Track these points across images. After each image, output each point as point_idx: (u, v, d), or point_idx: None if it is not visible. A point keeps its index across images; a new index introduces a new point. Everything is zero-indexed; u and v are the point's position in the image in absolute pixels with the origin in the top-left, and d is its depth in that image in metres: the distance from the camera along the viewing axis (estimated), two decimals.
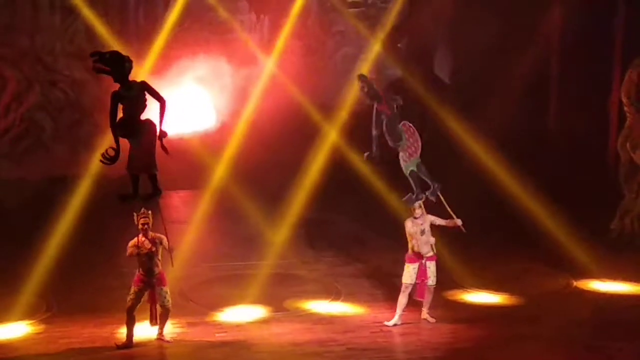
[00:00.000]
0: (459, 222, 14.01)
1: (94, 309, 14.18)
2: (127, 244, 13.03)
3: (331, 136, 22.44)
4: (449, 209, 14.08)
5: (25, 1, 23.86)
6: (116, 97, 12.52)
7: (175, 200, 23.31)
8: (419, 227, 13.62)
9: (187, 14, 24.00)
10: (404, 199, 13.97)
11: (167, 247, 12.94)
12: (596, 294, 15.53)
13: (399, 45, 26.43)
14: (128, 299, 12.83)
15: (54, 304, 14.45)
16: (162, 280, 12.86)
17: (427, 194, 13.98)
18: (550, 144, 24.00)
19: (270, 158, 21.91)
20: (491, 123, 21.58)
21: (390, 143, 14.15)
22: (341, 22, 26.70)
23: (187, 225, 19.16)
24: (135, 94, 12.61)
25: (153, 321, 12.99)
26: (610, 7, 22.53)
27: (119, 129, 12.64)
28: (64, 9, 24.02)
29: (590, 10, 22.15)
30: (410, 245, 13.66)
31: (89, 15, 23.35)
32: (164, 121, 12.72)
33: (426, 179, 14.09)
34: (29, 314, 13.98)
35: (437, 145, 22.85)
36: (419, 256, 13.60)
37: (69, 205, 19.12)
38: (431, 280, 13.69)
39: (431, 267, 13.69)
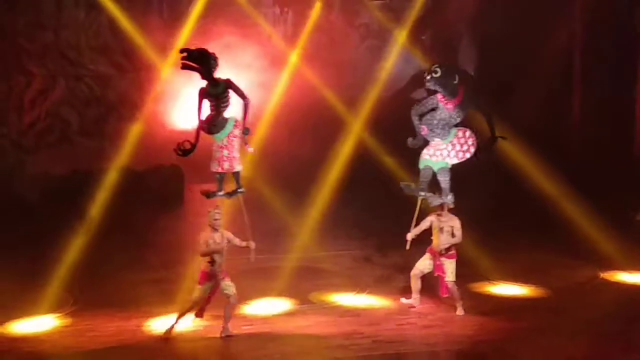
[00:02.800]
0: (409, 236, 13.88)
1: (121, 303, 14.22)
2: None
3: (355, 129, 22.44)
4: (413, 222, 13.93)
5: None
6: (203, 94, 12.95)
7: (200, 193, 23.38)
8: (442, 224, 13.64)
9: (211, 7, 24.04)
10: (430, 197, 13.81)
11: (237, 244, 12.97)
12: (623, 285, 15.45)
13: (423, 37, 26.39)
14: (193, 296, 12.86)
15: (81, 298, 14.51)
16: (225, 274, 12.93)
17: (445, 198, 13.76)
18: (576, 135, 23.93)
19: (295, 151, 21.94)
20: (516, 113, 21.51)
21: (428, 134, 13.68)
22: (365, 14, 26.71)
23: None
24: (221, 91, 12.95)
25: (200, 313, 13.07)
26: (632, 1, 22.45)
27: (205, 125, 13.00)
28: (88, 4, 24.15)
29: (613, 5, 22.07)
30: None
31: (112, 9, 23.44)
32: (247, 119, 13.10)
33: (443, 186, 13.76)
34: (55, 308, 14.04)
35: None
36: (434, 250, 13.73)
37: (95, 198, 19.23)
38: (448, 276, 13.69)
39: (447, 264, 13.69)
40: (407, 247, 13.96)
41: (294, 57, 24.47)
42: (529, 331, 12.96)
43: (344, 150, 21.47)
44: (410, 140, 13.83)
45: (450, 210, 13.69)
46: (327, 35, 25.97)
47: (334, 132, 22.14)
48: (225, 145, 13.11)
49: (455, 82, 13.43)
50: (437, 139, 13.67)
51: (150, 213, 20.38)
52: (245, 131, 13.07)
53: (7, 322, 13.42)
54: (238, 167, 13.24)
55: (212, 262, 12.75)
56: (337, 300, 14.61)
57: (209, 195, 13.34)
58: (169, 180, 23.13)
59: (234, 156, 13.15)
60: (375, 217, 19.77)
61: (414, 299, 14.03)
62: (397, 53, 25.06)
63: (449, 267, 13.68)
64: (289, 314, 13.94)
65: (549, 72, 22.58)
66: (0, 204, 20.10)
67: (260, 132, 22.29)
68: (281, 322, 13.48)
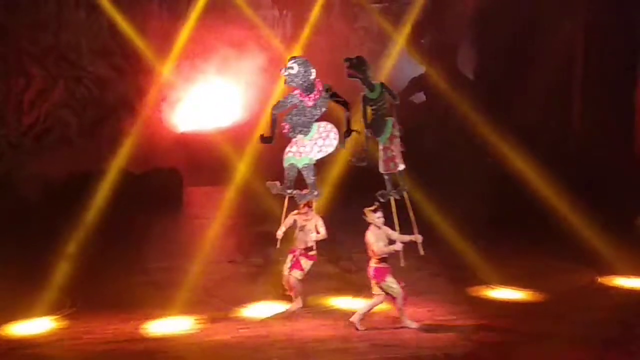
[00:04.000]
0: (278, 234, 13.93)
1: (119, 305, 14.23)
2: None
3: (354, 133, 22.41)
4: (283, 217, 14.00)
5: None
6: (365, 100, 13.64)
7: (198, 195, 23.41)
8: (304, 222, 13.95)
9: (210, 10, 24.04)
10: (296, 195, 13.47)
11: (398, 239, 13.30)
12: (621, 290, 15.45)
13: (422, 41, 26.41)
14: (395, 293, 13.18)
15: (79, 300, 14.51)
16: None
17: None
18: (575, 139, 23.92)
19: None
20: (516, 118, 21.53)
21: (290, 132, 13.28)
22: (364, 18, 26.74)
23: (211, 221, 19.24)
24: (378, 95, 13.61)
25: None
26: (635, 3, 22.43)
27: (369, 129, 13.70)
28: (88, 6, 24.14)
29: (615, 7, 22.08)
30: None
31: (112, 12, 23.44)
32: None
33: (308, 182, 13.34)
34: (53, 310, 14.04)
35: (462, 140, 22.88)
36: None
37: (93, 200, 19.24)
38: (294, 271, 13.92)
39: (304, 262, 13.93)
40: (278, 245, 13.87)
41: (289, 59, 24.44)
42: (528, 336, 12.95)
43: (344, 153, 21.43)
44: (261, 136, 13.31)
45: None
46: (327, 38, 25.98)
47: None
48: (388, 146, 13.67)
49: (312, 77, 13.10)
50: (299, 136, 13.29)
51: (149, 215, 20.39)
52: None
53: (4, 325, 13.42)
54: (401, 166, 13.71)
55: (383, 259, 13.08)
56: (334, 303, 14.60)
57: (383, 195, 13.75)
58: (167, 182, 23.13)
59: (396, 155, 13.68)
60: None
61: (295, 303, 14.08)
62: (396, 56, 25.06)
63: (305, 266, 13.85)
64: (287, 318, 13.94)
65: (550, 76, 22.57)
66: None
67: (259, 134, 22.28)
68: (279, 326, 13.48)
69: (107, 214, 18.76)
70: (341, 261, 17.37)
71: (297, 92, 13.12)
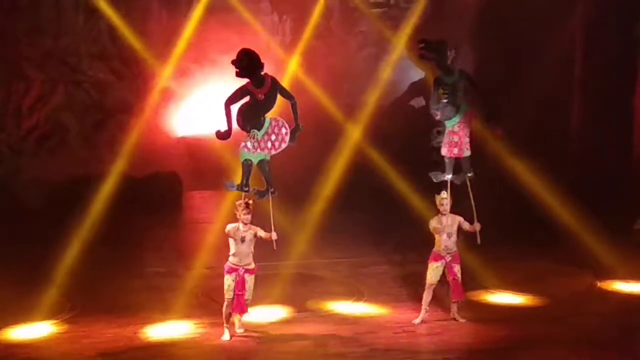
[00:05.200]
0: (274, 235, 13.16)
1: (118, 309, 14.23)
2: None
3: (354, 137, 22.43)
4: (272, 217, 13.35)
5: (50, 2, 24.00)
6: (438, 82, 13.83)
7: (198, 200, 23.42)
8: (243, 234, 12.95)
9: (209, 14, 24.05)
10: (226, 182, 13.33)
11: (467, 228, 13.71)
12: (620, 294, 15.45)
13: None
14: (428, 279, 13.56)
15: (78, 304, 14.51)
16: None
17: None
18: (574, 142, 23.92)
19: (292, 158, 21.92)
20: (515, 122, 21.52)
21: (241, 125, 13.09)
22: (364, 22, 26.72)
23: (210, 225, 19.24)
24: (456, 80, 13.78)
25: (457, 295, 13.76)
26: (633, 7, 22.44)
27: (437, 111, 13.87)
28: (88, 10, 24.14)
29: (614, 11, 22.08)
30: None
31: (112, 15, 23.45)
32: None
33: (265, 179, 13.35)
34: (52, 314, 14.04)
35: None
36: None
37: (93, 205, 19.24)
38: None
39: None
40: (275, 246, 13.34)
41: (292, 64, 24.46)
42: (526, 340, 12.96)
43: (342, 158, 21.45)
44: (217, 132, 13.05)
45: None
46: (326, 42, 26.00)
47: (332, 140, 22.11)
48: (457, 132, 13.83)
49: (262, 70, 12.95)
50: (253, 130, 13.06)
51: (149, 220, 20.39)
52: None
53: (3, 328, 13.41)
54: (467, 152, 13.91)
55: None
56: (334, 308, 14.61)
57: (436, 175, 14.02)
58: (167, 187, 23.13)
59: (463, 142, 13.87)
60: (374, 223, 19.78)
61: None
62: (395, 61, 25.07)
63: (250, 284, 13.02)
64: (286, 322, 13.94)
65: (549, 79, 22.56)
66: None
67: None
68: (278, 330, 13.49)
69: (106, 218, 18.75)
70: (339, 265, 17.38)
71: (248, 85, 12.94)
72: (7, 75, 23.78)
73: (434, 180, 13.99)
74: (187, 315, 13.90)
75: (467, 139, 13.93)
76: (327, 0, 25.37)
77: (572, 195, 18.60)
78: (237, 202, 12.98)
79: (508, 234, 18.07)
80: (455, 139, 13.87)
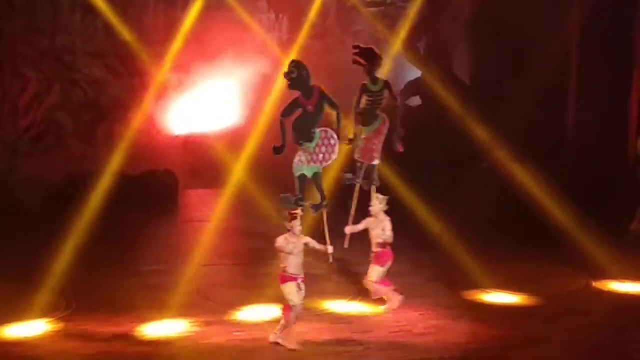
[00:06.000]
0: (330, 249, 13.00)
1: (113, 307, 14.21)
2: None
3: (348, 135, 22.41)
4: (326, 232, 13.40)
5: (46, 1, 23.98)
6: (364, 90, 14.12)
7: (193, 198, 23.41)
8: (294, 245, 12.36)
9: (206, 13, 24.04)
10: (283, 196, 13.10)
11: None
12: (615, 294, 15.47)
13: (418, 44, 26.41)
14: None
15: (73, 302, 14.49)
16: None
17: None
18: (570, 143, 23.93)
19: (289, 157, 21.93)
20: (510, 122, 21.54)
21: (294, 138, 13.01)
22: (360, 21, 26.71)
23: (206, 223, 19.25)
24: (379, 89, 14.08)
25: None
26: (629, 6, 22.46)
27: (357, 117, 14.23)
28: (84, 8, 24.12)
29: (610, 10, 22.09)
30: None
31: (108, 14, 23.43)
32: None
33: (319, 192, 13.41)
34: (47, 312, 14.02)
35: (456, 144, 22.90)
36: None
37: (88, 203, 19.23)
38: None
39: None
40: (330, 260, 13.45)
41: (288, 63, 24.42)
42: (522, 339, 12.97)
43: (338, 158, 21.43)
44: (274, 147, 12.90)
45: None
46: (323, 41, 25.99)
47: None
48: (371, 138, 14.10)
49: (310, 81, 12.97)
50: (305, 144, 13.08)
51: (145, 218, 20.40)
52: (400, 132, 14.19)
53: None
54: (377, 161, 14.26)
55: None
56: (330, 306, 14.60)
57: (349, 179, 14.44)
58: (163, 185, 23.11)
59: (377, 149, 14.15)
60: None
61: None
62: (392, 60, 25.05)
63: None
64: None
65: (544, 79, 22.55)
66: None
67: (254, 137, 22.30)
68: (273, 329, 13.47)
69: (102, 216, 18.73)
70: (337, 263, 17.36)
71: (299, 97, 12.93)
72: (3, 73, 23.76)
73: (346, 182, 14.38)
74: (182, 314, 13.88)
75: (381, 148, 14.19)
76: None
77: (567, 195, 18.61)
78: (291, 212, 12.54)
79: (503, 233, 18.08)
80: (370, 145, 14.14)
